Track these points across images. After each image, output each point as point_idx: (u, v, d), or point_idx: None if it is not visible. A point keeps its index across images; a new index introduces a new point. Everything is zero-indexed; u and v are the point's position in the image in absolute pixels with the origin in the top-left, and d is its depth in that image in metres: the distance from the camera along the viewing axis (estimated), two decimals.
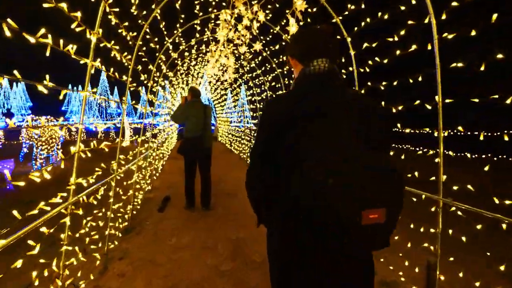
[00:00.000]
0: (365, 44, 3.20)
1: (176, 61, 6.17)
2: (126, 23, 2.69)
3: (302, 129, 1.17)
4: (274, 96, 1.48)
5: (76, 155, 1.96)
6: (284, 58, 5.17)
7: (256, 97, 7.98)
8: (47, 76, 1.45)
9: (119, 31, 2.64)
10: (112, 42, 2.38)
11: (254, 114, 8.71)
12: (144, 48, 3.69)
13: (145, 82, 4.27)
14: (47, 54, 1.41)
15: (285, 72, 5.22)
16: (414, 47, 2.60)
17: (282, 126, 1.20)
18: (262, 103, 7.61)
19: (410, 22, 2.63)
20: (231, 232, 4.14)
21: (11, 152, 12.65)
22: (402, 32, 2.71)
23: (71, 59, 1.88)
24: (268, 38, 4.93)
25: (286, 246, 1.19)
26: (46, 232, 1.61)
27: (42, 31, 1.31)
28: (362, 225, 1.00)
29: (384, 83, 3.04)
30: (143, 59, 3.84)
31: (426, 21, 2.45)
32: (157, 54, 4.51)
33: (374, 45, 3.12)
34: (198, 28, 4.98)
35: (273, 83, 6.18)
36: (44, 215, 1.70)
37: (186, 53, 6.37)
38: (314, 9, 3.64)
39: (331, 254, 1.12)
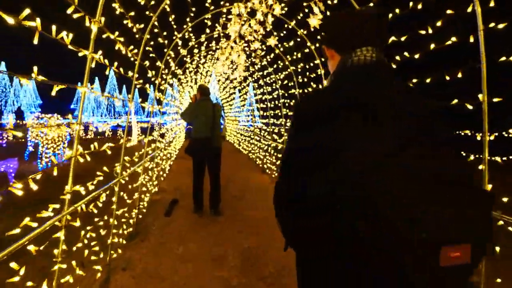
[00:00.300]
0: (392, 38, 2.91)
1: (185, 58, 5.97)
2: (132, 13, 2.48)
3: (343, 122, 0.92)
4: (304, 94, 1.18)
5: (72, 159, 1.74)
6: (299, 55, 4.91)
7: (266, 95, 7.72)
8: (35, 68, 1.23)
9: (124, 22, 2.43)
10: (116, 33, 2.17)
11: (264, 114, 8.45)
12: (152, 43, 3.48)
13: (153, 79, 4.07)
14: (35, 41, 1.19)
15: (299, 69, 4.97)
16: (453, 39, 2.30)
17: (321, 121, 0.96)
18: (273, 102, 7.38)
19: (448, 11, 2.34)
20: (242, 239, 3.90)
21: (16, 151, 12.62)
22: (439, 24, 2.42)
23: (70, 55, 1.67)
24: (282, 34, 4.66)
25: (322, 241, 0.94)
26: (34, 251, 1.38)
27: (27, 11, 1.08)
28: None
29: (414, 80, 2.75)
30: (151, 55, 3.63)
31: (469, 10, 2.15)
32: (165, 50, 4.30)
33: (403, 38, 2.83)
34: (209, 23, 4.77)
35: (286, 82, 5.93)
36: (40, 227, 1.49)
37: (196, 50, 6.16)
38: (335, 0, 3.36)
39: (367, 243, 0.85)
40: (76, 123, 1.77)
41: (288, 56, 5.25)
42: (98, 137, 21.02)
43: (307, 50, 4.35)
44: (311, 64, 4.45)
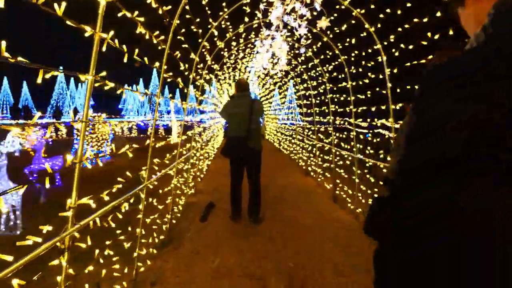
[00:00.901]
0: None
1: (222, 53, 5.66)
2: None
3: None
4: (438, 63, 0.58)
5: (77, 165, 1.42)
6: (353, 41, 4.27)
7: (311, 91, 7.14)
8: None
9: (148, 1, 2.09)
10: (136, 12, 1.84)
11: (308, 111, 7.87)
12: (183, 31, 3.14)
13: (186, 73, 3.79)
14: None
15: (352, 58, 4.35)
16: None
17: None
18: (318, 98, 6.79)
19: None
20: (287, 255, 3.42)
21: (60, 149, 13.24)
22: None
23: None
24: (332, 17, 4.07)
25: None
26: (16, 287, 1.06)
27: None
28: None
29: None
30: (183, 45, 3.32)
31: None
32: (199, 41, 3.98)
33: None
34: (248, 9, 4.35)
35: (334, 74, 5.33)
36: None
37: (233, 43, 5.83)
38: None
39: None
40: (79, 121, 1.45)
41: (339, 44, 4.65)
42: (141, 135, 22.11)
43: (364, 34, 3.73)
44: (369, 51, 3.83)
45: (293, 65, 7.41)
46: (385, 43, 3.48)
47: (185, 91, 3.89)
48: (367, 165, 4.46)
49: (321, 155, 7.24)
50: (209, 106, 8.95)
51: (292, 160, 10.79)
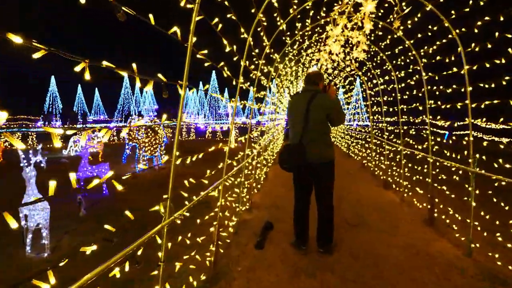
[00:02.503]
0: None
1: (283, 38, 4.85)
2: None
3: None
4: None
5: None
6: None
7: (395, 84, 5.86)
8: None
9: None
10: None
11: (391, 109, 6.57)
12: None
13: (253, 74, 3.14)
14: None
15: (423, 53, 3.21)
16: None
17: None
18: (407, 93, 5.49)
19: None
20: None
21: (112, 154, 13.50)
22: None
23: None
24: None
25: None
26: None
27: None
28: None
29: None
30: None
31: None
32: (253, 11, 3.24)
33: None
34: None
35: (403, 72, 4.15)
36: None
37: (298, 24, 5.00)
38: None
39: None
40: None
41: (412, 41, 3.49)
42: (199, 138, 22.38)
43: None
44: None
45: (372, 53, 6.23)
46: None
47: (234, 84, 3.21)
48: (496, 184, 3.17)
49: (409, 164, 5.93)
50: (268, 106, 8.19)
51: (366, 168, 9.47)
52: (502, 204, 3.43)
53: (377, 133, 8.67)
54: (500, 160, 3.36)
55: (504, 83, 3.01)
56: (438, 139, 4.90)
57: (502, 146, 3.36)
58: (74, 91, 74.15)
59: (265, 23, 3.56)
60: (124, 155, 11.02)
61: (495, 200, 3.57)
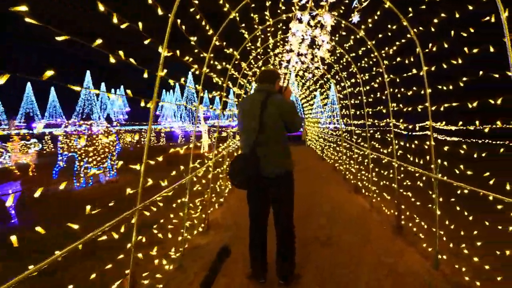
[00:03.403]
0: None
1: (244, 34, 4.59)
2: None
3: None
4: None
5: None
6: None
7: (361, 87, 5.77)
8: None
9: None
10: None
11: (358, 112, 6.47)
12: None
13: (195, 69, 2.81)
14: None
15: (384, 54, 3.08)
16: None
17: None
18: (372, 95, 5.39)
19: None
20: None
21: (47, 167, 10.04)
22: None
23: None
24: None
25: None
26: None
27: None
28: None
29: None
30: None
31: None
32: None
33: None
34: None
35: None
36: None
37: (259, 32, 4.79)
38: None
39: None
40: None
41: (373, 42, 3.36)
42: (170, 143, 21.40)
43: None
44: None
45: (338, 55, 6.12)
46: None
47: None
48: (459, 191, 3.04)
49: (376, 169, 5.84)
50: (232, 109, 7.87)
51: (338, 171, 9.40)
52: (466, 213, 3.31)
53: (346, 136, 8.61)
54: (462, 166, 3.24)
55: (461, 84, 2.89)
56: (402, 143, 4.81)
57: (462, 152, 3.21)
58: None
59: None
60: (55, 168, 8.89)
61: (458, 208, 3.45)
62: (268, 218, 3.17)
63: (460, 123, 3.48)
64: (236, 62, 5.08)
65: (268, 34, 5.39)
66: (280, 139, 2.98)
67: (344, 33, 4.76)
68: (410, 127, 4.25)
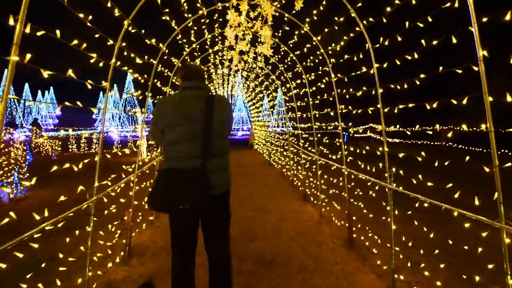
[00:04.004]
0: None
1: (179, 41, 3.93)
2: None
3: None
4: None
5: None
6: None
7: (307, 88, 5.43)
8: None
9: None
10: None
11: (304, 115, 6.14)
12: None
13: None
14: None
15: (331, 51, 2.74)
16: None
17: None
18: (319, 96, 5.05)
19: None
20: None
21: None
22: None
23: None
24: None
25: None
26: None
27: None
28: None
29: None
30: None
31: None
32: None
33: None
34: None
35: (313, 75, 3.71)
36: None
37: (190, 22, 4.15)
38: None
39: None
40: None
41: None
42: (105, 150, 19.26)
43: None
44: None
45: (282, 53, 5.71)
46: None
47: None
48: (417, 204, 2.72)
49: (325, 176, 5.53)
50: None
51: (286, 177, 9.06)
52: (425, 229, 3.02)
53: (293, 141, 8.31)
54: (420, 176, 2.93)
55: (418, 82, 2.56)
56: (351, 148, 4.52)
57: (420, 159, 2.90)
58: None
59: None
60: None
61: (416, 223, 3.16)
62: (197, 244, 2.53)
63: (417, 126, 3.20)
64: (165, 57, 4.36)
65: (204, 27, 4.77)
66: (227, 149, 2.51)
67: (287, 28, 4.33)
68: (360, 130, 3.94)
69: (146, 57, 3.57)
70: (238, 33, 4.29)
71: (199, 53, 6.20)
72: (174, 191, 2.23)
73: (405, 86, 2.57)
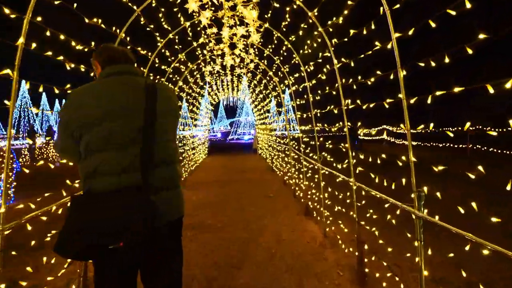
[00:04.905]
0: None
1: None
2: None
3: None
4: None
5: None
6: None
7: (307, 82, 4.54)
8: None
9: None
10: None
11: (304, 115, 5.21)
12: None
13: None
14: None
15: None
16: None
17: None
18: (319, 92, 4.13)
19: None
20: None
21: None
22: None
23: None
24: None
25: None
26: None
27: None
28: None
29: None
30: None
31: None
32: None
33: None
34: None
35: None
36: None
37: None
38: None
39: None
40: None
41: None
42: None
43: None
44: None
45: (276, 41, 4.81)
46: None
47: None
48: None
49: (329, 189, 4.59)
50: None
51: (288, 185, 8.14)
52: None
53: (294, 145, 7.37)
54: (474, 205, 1.97)
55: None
56: (362, 156, 3.59)
57: (473, 176, 1.95)
58: None
59: None
60: None
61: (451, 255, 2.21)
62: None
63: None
64: (129, 47, 3.53)
65: (175, 9, 3.91)
66: (176, 157, 1.74)
67: (277, 5, 3.46)
68: (373, 132, 3.02)
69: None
70: (215, 13, 3.50)
71: (180, 46, 5.34)
72: (100, 224, 1.42)
73: (447, 60, 1.63)
